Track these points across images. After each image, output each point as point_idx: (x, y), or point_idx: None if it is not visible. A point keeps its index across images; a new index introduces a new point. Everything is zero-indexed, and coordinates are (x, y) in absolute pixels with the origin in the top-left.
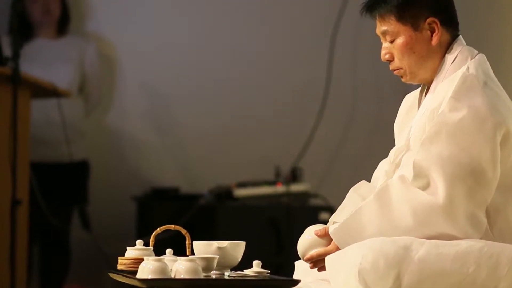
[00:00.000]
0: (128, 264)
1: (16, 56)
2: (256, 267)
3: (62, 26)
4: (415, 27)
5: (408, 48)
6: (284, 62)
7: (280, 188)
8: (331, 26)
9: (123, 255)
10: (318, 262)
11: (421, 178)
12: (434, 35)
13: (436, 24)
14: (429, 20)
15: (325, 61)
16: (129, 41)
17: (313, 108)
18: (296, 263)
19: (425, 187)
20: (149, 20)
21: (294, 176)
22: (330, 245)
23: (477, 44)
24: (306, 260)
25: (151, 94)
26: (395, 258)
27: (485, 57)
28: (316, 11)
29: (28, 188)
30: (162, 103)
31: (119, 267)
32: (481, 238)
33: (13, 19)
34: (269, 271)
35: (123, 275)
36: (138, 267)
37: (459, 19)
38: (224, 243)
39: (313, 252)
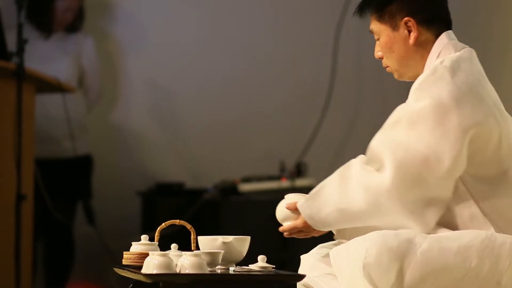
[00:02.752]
0: (133, 259)
1: (20, 51)
2: (261, 262)
3: (70, 29)
4: (393, 26)
5: (388, 47)
6: (288, 58)
7: (284, 183)
8: (335, 23)
9: (128, 250)
10: (293, 233)
11: (374, 161)
12: (411, 34)
13: (412, 23)
14: (405, 19)
15: (330, 57)
16: (135, 37)
17: (318, 103)
18: (302, 257)
19: (378, 171)
20: (155, 16)
21: (299, 171)
22: (299, 219)
23: (480, 42)
24: (281, 230)
25: (156, 90)
26: (398, 251)
27: (473, 52)
28: (320, 7)
29: (32, 183)
30: (167, 99)
31: (124, 262)
32: (472, 225)
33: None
34: (274, 266)
35: (128, 270)
36: (143, 262)
37: (462, 18)
38: (229, 238)
39: (285, 225)
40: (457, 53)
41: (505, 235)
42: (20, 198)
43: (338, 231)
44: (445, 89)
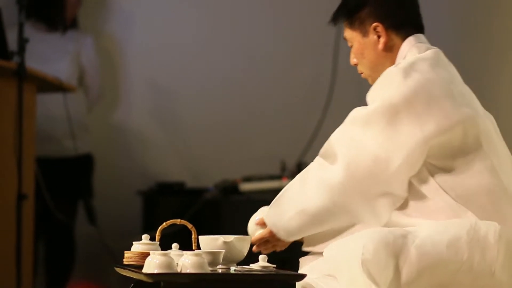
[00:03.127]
0: (134, 258)
1: (21, 50)
2: (262, 261)
3: (70, 25)
4: (363, 33)
5: (359, 53)
6: (289, 58)
7: (285, 183)
8: None
9: (129, 250)
10: (260, 245)
11: (328, 156)
12: (380, 39)
13: (381, 28)
14: (373, 25)
15: (330, 56)
16: (136, 37)
17: (319, 103)
18: (301, 259)
19: (331, 164)
20: (156, 16)
21: (300, 170)
22: (266, 229)
23: (480, 42)
24: (252, 242)
25: (157, 89)
26: (394, 247)
27: (440, 53)
28: (321, 7)
29: (33, 183)
30: (168, 98)
31: (125, 261)
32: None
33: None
34: (275, 266)
35: (129, 270)
36: (144, 262)
37: (463, 18)
38: (230, 238)
39: (254, 237)
40: (418, 55)
41: (487, 222)
42: (21, 197)
43: (306, 240)
44: (395, 90)
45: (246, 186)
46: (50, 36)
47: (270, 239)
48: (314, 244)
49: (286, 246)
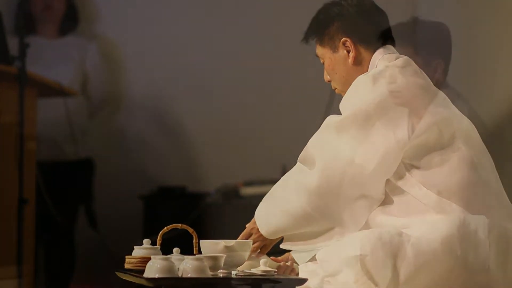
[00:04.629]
0: (135, 263)
1: (22, 55)
2: (263, 265)
3: (66, 26)
4: (333, 49)
5: (330, 69)
6: (290, 60)
7: None
8: None
9: (130, 254)
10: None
11: (307, 161)
12: (350, 54)
13: (350, 43)
14: (342, 40)
15: None
16: (135, 42)
17: (320, 106)
18: (300, 266)
19: (310, 169)
20: (156, 21)
21: None
22: (251, 221)
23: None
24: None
25: (158, 94)
26: (391, 246)
27: (409, 61)
28: None
29: (34, 187)
30: (168, 103)
31: (126, 266)
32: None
33: (19, 18)
34: (276, 270)
35: (130, 274)
36: (145, 266)
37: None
38: (231, 242)
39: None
40: (388, 63)
41: (475, 217)
42: (22, 202)
43: (286, 237)
44: (366, 96)
45: (247, 191)
46: (54, 42)
47: (257, 238)
48: (293, 240)
49: (273, 244)
